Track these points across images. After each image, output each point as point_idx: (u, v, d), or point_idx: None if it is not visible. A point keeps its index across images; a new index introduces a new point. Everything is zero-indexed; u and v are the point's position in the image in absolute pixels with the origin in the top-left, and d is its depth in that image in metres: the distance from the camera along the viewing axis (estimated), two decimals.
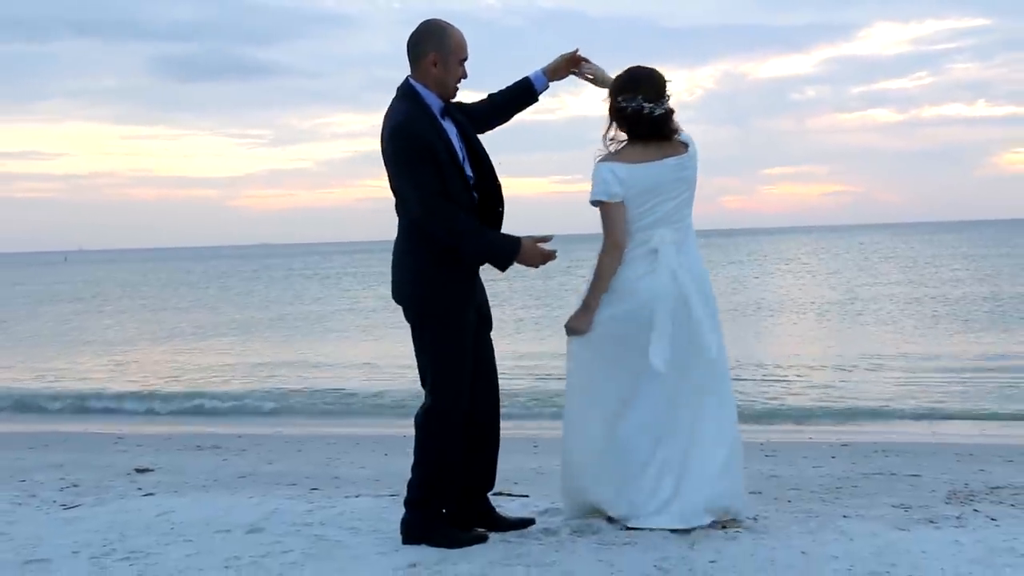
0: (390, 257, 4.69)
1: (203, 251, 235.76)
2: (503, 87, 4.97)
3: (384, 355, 18.17)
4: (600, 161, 4.70)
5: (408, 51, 4.56)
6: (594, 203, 4.66)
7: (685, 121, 4.95)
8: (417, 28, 4.58)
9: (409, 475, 4.65)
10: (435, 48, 4.50)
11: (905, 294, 28.95)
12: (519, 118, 5.05)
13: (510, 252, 4.51)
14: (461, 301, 4.60)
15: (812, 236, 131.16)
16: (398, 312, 4.67)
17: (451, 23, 4.58)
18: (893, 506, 5.33)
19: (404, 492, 4.67)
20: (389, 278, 4.67)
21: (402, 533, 4.67)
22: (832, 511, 5.17)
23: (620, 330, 4.67)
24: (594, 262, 4.70)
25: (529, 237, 4.58)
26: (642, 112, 4.65)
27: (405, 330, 4.65)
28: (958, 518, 4.97)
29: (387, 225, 4.73)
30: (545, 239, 4.62)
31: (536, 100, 4.98)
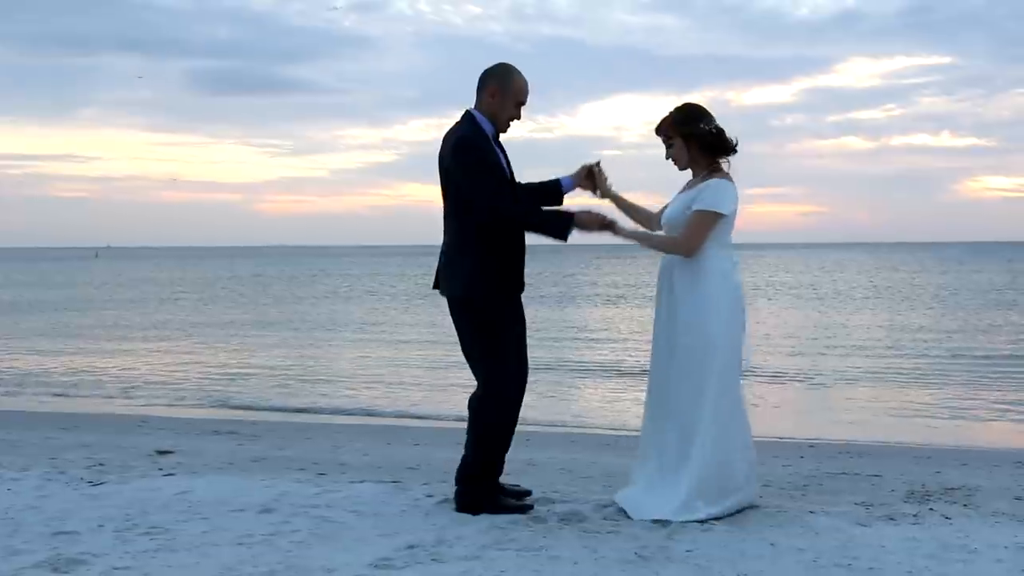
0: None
1: (226, 250, 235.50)
2: (534, 180, 5.18)
3: (393, 351, 18.16)
4: (720, 179, 4.85)
5: (477, 83, 4.89)
6: (711, 212, 4.77)
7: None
8: (491, 65, 4.91)
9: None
10: (497, 84, 4.84)
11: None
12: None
13: (567, 221, 4.82)
14: (514, 291, 4.90)
15: (795, 253, 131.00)
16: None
17: (520, 71, 4.90)
18: (855, 503, 5.33)
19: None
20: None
21: (457, 504, 4.93)
22: (799, 507, 5.16)
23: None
24: (668, 241, 4.89)
25: (581, 208, 4.93)
26: (723, 131, 4.87)
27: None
28: (915, 516, 4.97)
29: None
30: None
31: (560, 202, 5.21)
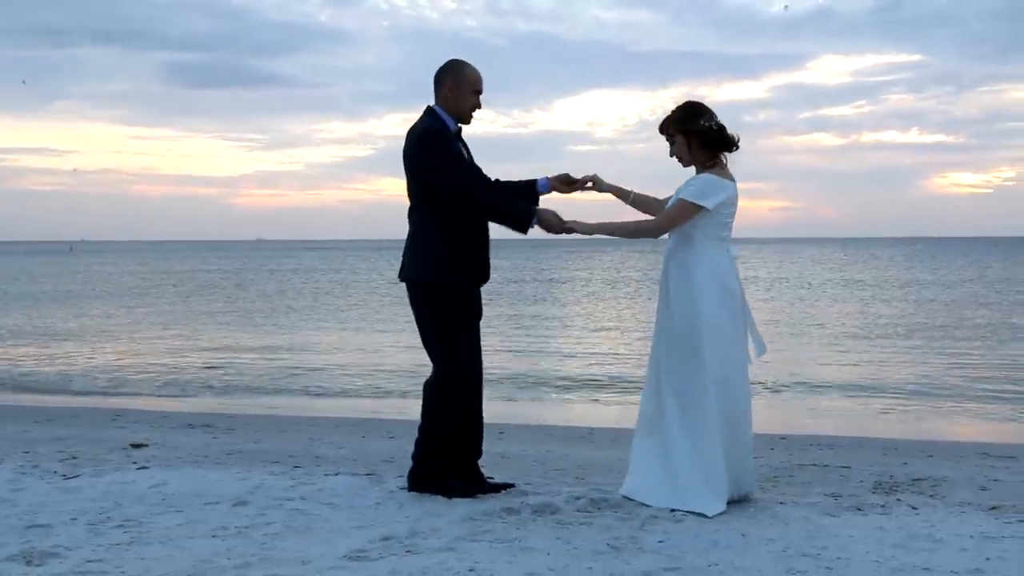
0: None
1: (202, 244, 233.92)
2: (511, 179, 5.27)
3: (368, 344, 18.12)
4: (711, 174, 4.88)
5: (434, 82, 5.04)
6: (690, 203, 4.81)
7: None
8: (442, 64, 5.05)
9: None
10: (453, 78, 4.99)
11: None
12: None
13: (528, 216, 4.96)
14: (476, 281, 5.03)
15: (768, 248, 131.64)
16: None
17: (470, 63, 5.05)
18: (825, 494, 5.37)
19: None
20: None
21: (408, 482, 5.10)
22: (770, 498, 5.20)
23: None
24: (639, 220, 5.04)
25: (547, 210, 5.04)
26: (724, 128, 4.91)
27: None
28: (883, 506, 5.02)
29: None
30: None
31: (536, 202, 5.24)
